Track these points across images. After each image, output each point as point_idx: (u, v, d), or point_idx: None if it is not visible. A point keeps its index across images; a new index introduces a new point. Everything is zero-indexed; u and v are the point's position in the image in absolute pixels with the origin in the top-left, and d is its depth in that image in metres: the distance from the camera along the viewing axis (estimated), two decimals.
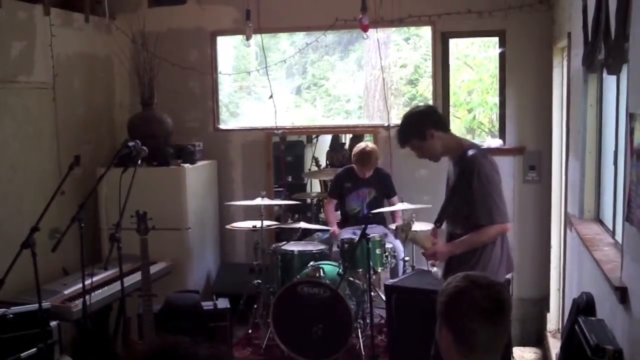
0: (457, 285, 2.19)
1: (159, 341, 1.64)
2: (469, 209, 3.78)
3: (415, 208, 5.79)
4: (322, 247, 6.01)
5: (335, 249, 6.01)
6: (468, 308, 2.13)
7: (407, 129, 3.98)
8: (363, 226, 5.05)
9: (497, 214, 3.76)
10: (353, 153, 6.27)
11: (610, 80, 3.95)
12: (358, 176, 6.28)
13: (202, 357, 1.57)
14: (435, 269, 4.13)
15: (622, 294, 2.87)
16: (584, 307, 3.63)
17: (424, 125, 3.91)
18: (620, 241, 3.34)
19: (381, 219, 6.27)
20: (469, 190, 3.76)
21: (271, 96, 6.75)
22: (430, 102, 6.65)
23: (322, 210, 8.25)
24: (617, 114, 3.67)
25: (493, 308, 2.14)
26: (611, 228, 3.85)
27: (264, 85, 7.10)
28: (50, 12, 5.71)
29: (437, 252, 3.93)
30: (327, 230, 6.53)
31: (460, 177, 3.85)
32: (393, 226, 5.54)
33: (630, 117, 2.85)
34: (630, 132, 2.85)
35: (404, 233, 4.01)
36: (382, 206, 6.23)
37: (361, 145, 6.22)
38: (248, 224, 6.15)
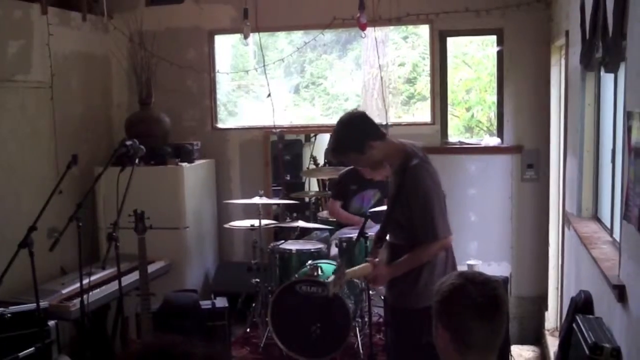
0: (452, 283, 2.19)
1: (154, 340, 1.64)
2: (408, 223, 3.60)
3: None
4: (320, 245, 6.01)
5: (334, 249, 6.00)
6: (463, 305, 2.13)
7: (345, 141, 3.68)
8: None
9: (439, 229, 3.55)
10: None
11: (608, 79, 3.95)
12: (363, 178, 6.17)
13: (197, 356, 1.57)
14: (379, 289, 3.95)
15: (620, 292, 2.87)
16: (582, 305, 3.64)
17: (362, 138, 3.63)
18: (618, 239, 3.34)
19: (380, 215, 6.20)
20: (409, 205, 3.57)
21: (269, 95, 6.74)
22: (429, 101, 6.65)
23: (320, 209, 8.25)
24: (615, 112, 3.67)
25: (488, 304, 2.13)
26: (609, 226, 3.85)
27: (262, 84, 7.10)
28: (47, 11, 5.70)
29: (378, 276, 3.69)
30: (326, 229, 6.50)
31: (400, 189, 3.62)
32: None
33: (628, 115, 2.85)
34: (627, 130, 2.85)
35: (337, 285, 3.73)
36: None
37: None
38: (246, 223, 6.14)
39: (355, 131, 3.68)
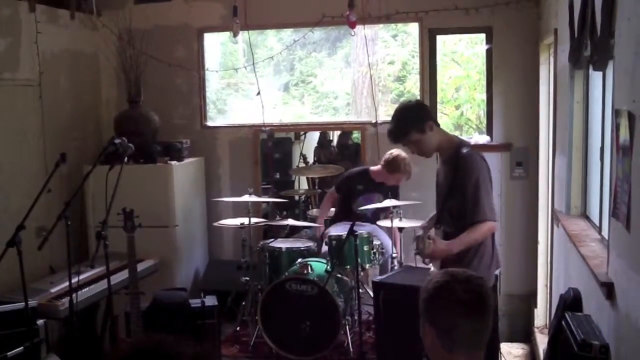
0: (437, 281, 2.21)
1: (143, 339, 1.63)
2: (462, 206, 3.77)
3: (405, 205, 5.81)
4: (310, 244, 6.01)
5: (324, 246, 6.00)
6: (449, 302, 2.15)
7: (406, 121, 3.89)
8: (351, 223, 5.05)
9: (489, 211, 3.75)
10: (387, 160, 6.04)
11: (596, 77, 3.97)
12: (373, 180, 6.14)
13: (185, 355, 1.57)
14: (432, 268, 4.09)
15: (608, 289, 2.89)
16: (570, 302, 3.65)
17: (424, 117, 3.86)
18: (606, 237, 3.35)
19: (375, 216, 6.20)
20: (463, 189, 3.74)
21: (259, 93, 6.73)
22: (418, 99, 6.65)
23: (310, 207, 8.25)
24: (603, 110, 3.68)
25: (473, 301, 2.15)
26: (597, 224, 3.87)
27: (252, 82, 7.09)
28: (35, 8, 5.67)
29: (436, 251, 3.82)
30: (315, 227, 6.50)
31: (454, 176, 3.80)
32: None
33: (616, 113, 2.86)
34: (615, 128, 2.86)
35: (421, 244, 3.91)
36: (382, 215, 6.16)
37: (395, 152, 5.97)
38: (236, 221, 6.14)
39: (416, 111, 3.93)
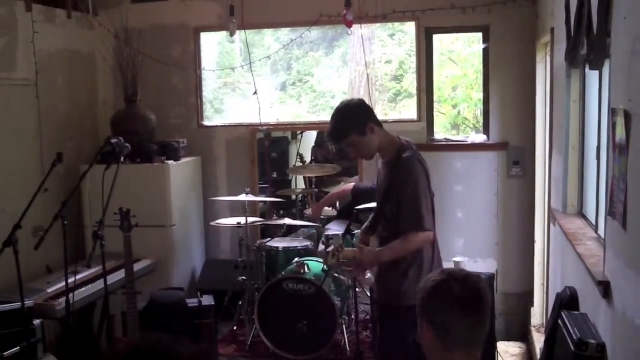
0: (435, 280, 2.22)
1: (140, 339, 1.63)
2: (397, 212, 3.65)
3: None
4: (307, 243, 6.02)
5: (321, 246, 6.00)
6: (446, 301, 2.15)
7: (346, 122, 3.71)
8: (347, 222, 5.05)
9: (424, 220, 3.59)
10: None
11: (592, 76, 3.97)
12: None
13: (182, 354, 1.57)
14: (369, 275, 4.00)
15: (604, 288, 2.89)
16: (567, 301, 3.65)
17: (364, 119, 3.70)
18: (603, 236, 3.35)
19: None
20: (399, 194, 3.62)
21: (255, 92, 6.72)
22: (415, 98, 6.65)
23: (307, 207, 8.24)
24: (600, 109, 3.68)
25: (471, 299, 2.15)
26: (594, 223, 3.87)
27: (249, 81, 7.08)
28: (32, 8, 5.67)
29: (363, 261, 3.70)
30: (312, 226, 6.51)
31: (392, 181, 3.69)
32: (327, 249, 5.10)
33: (612, 112, 2.87)
34: (612, 127, 2.86)
35: (335, 258, 3.73)
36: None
37: None
38: (233, 221, 6.14)
39: (356, 112, 3.73)
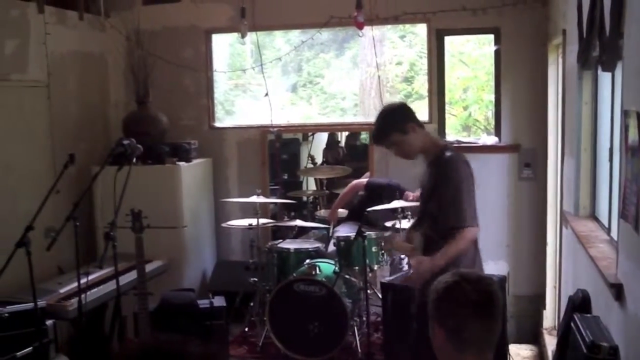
0: (447, 282, 2.21)
1: (151, 340, 1.63)
2: (442, 210, 3.70)
3: (411, 206, 5.81)
4: (318, 244, 6.02)
5: (332, 247, 6.01)
6: (458, 303, 2.15)
7: (387, 122, 3.86)
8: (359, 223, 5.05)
9: (469, 216, 3.66)
10: None
11: (605, 77, 3.96)
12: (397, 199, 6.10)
13: (193, 355, 1.57)
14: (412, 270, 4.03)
15: (617, 290, 2.88)
16: (579, 304, 3.63)
17: (405, 119, 3.83)
18: (615, 238, 3.34)
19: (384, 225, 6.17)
20: (444, 192, 3.68)
21: (267, 94, 6.73)
22: (426, 100, 6.65)
23: (318, 208, 8.25)
24: (612, 111, 3.67)
25: (483, 301, 2.14)
26: (606, 225, 3.85)
27: (259, 83, 7.09)
28: (44, 10, 5.69)
29: (419, 268, 3.73)
30: (323, 227, 6.51)
31: (436, 179, 3.75)
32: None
33: (625, 114, 2.85)
34: (624, 129, 2.85)
35: (388, 244, 3.90)
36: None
37: None
38: (244, 222, 6.14)
39: (397, 113, 3.89)
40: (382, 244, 3.91)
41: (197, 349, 1.58)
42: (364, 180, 6.56)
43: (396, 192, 6.08)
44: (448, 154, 3.76)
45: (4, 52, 5.40)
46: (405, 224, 5.75)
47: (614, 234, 3.48)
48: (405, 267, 5.76)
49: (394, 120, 3.84)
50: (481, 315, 2.14)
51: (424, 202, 3.92)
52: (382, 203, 6.03)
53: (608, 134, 3.82)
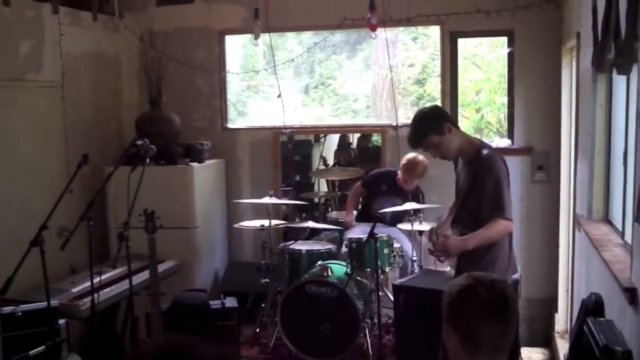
0: (461, 284, 2.19)
1: (166, 341, 1.64)
2: (481, 205, 3.77)
3: (425, 208, 5.81)
4: (329, 246, 6.01)
5: (344, 249, 6.01)
6: (472, 306, 2.13)
7: (424, 124, 3.91)
8: (372, 224, 5.04)
9: (507, 209, 3.74)
10: (403, 162, 6.14)
11: (619, 81, 3.94)
12: (397, 184, 6.19)
13: (210, 357, 1.57)
14: (448, 268, 4.10)
15: (631, 295, 2.86)
16: (592, 307, 3.62)
17: (442, 120, 3.88)
18: (629, 242, 3.33)
19: (395, 220, 6.20)
20: (483, 187, 3.75)
21: (279, 95, 6.74)
22: (439, 102, 6.64)
23: (329, 209, 8.25)
24: (627, 114, 3.65)
25: (497, 304, 2.13)
26: (620, 229, 3.84)
27: (272, 84, 7.10)
28: (58, 10, 5.71)
29: (449, 246, 3.82)
30: (335, 229, 6.52)
31: (474, 177, 3.81)
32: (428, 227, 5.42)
33: None
34: None
35: (437, 235, 3.95)
36: (404, 218, 6.17)
37: (412, 154, 6.06)
38: (256, 223, 6.15)
39: (433, 115, 3.96)
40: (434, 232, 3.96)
41: (213, 350, 1.58)
42: (358, 183, 6.61)
43: (392, 176, 6.26)
44: (485, 151, 3.82)
45: (18, 52, 5.43)
46: (418, 226, 5.77)
47: (628, 237, 3.46)
48: (417, 269, 5.77)
49: (430, 121, 3.89)
50: (495, 318, 2.13)
51: (462, 200, 3.97)
52: (384, 192, 6.22)
53: (622, 137, 3.81)
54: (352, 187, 6.93)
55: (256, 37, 6.39)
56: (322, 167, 8.91)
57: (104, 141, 6.52)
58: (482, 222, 3.75)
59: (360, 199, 6.65)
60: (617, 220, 4.00)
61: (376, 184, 6.39)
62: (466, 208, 3.91)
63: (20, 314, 4.34)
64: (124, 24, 6.74)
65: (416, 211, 5.83)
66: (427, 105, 4.32)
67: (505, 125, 6.75)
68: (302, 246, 5.94)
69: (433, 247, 3.92)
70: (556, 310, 5.95)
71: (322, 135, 9.01)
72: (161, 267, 5.28)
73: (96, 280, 4.35)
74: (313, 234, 6.59)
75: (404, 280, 5.35)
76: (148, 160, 4.50)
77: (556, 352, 5.50)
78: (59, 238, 4.63)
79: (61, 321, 4.56)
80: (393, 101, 6.88)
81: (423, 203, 6.00)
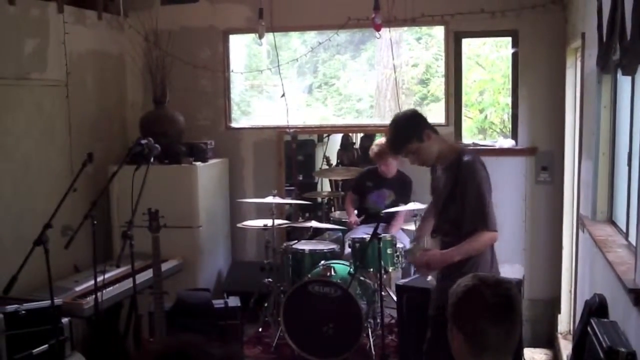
0: (466, 285, 2.20)
1: (172, 340, 1.63)
2: (461, 215, 3.69)
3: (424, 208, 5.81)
4: (333, 246, 6.02)
5: (347, 249, 6.01)
6: (477, 307, 2.14)
7: (403, 131, 3.84)
8: (375, 225, 5.05)
9: (490, 220, 3.68)
10: (371, 154, 6.29)
11: (624, 81, 3.93)
12: (380, 176, 6.29)
13: (215, 357, 1.57)
14: (430, 277, 4.06)
15: (636, 296, 2.85)
16: (596, 308, 3.61)
17: (420, 127, 3.81)
18: (634, 243, 3.32)
19: (387, 216, 6.23)
20: (465, 196, 3.67)
21: (283, 95, 6.74)
22: (442, 102, 6.63)
23: (333, 209, 8.26)
24: (632, 115, 3.65)
25: (502, 306, 2.13)
26: (624, 230, 3.83)
27: (276, 84, 7.10)
28: (63, 9, 5.73)
29: (430, 260, 3.77)
30: (338, 229, 6.53)
31: (455, 184, 3.73)
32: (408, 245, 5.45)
33: None
34: None
35: (416, 252, 3.92)
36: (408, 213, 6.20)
37: (378, 140, 6.20)
38: (259, 223, 6.15)
39: (412, 121, 3.86)
40: (412, 252, 3.93)
41: (218, 350, 1.58)
42: (349, 192, 6.75)
43: (374, 171, 6.41)
44: (466, 158, 3.74)
45: (23, 51, 5.44)
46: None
47: (632, 238, 3.46)
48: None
49: (409, 129, 3.82)
50: (500, 319, 2.13)
51: (442, 208, 3.89)
52: (371, 188, 6.35)
53: (627, 138, 3.80)
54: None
55: (260, 37, 6.40)
56: (325, 167, 8.92)
57: (108, 140, 6.52)
58: (465, 233, 3.68)
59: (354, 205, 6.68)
60: (622, 221, 3.99)
61: (363, 184, 6.49)
62: (446, 217, 3.83)
63: (24, 312, 4.34)
64: (128, 23, 6.75)
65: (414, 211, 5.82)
66: (406, 110, 4.18)
67: (509, 125, 6.74)
68: (305, 246, 5.94)
69: (415, 265, 3.88)
70: (559, 311, 5.94)
71: (325, 135, 9.02)
72: (164, 267, 5.26)
73: (100, 279, 4.36)
74: (316, 233, 6.60)
75: (407, 280, 5.35)
76: (152, 160, 4.50)
77: (559, 353, 5.50)
78: (63, 237, 4.63)
79: (64, 320, 4.56)
80: (397, 101, 6.88)
81: (411, 190, 6.14)
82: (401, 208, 5.97)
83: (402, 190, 6.22)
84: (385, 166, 6.23)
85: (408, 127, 3.83)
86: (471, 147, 3.97)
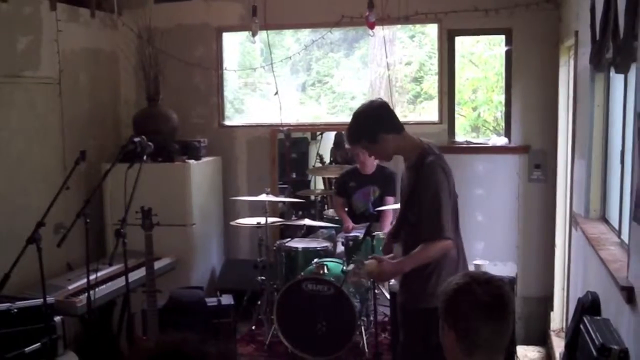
0: (457, 283, 2.20)
1: (166, 339, 1.63)
2: (421, 220, 3.59)
3: None
4: (326, 244, 6.02)
5: (340, 247, 6.01)
6: (469, 305, 2.14)
7: (358, 129, 3.72)
8: (367, 224, 5.04)
9: (445, 228, 3.53)
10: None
11: (617, 80, 3.94)
12: (361, 174, 6.28)
13: (209, 355, 1.57)
14: (393, 281, 4.00)
15: (628, 293, 2.86)
16: (589, 306, 3.62)
17: (375, 128, 3.66)
18: (626, 240, 3.33)
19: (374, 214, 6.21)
20: (421, 199, 3.57)
21: (276, 93, 6.73)
22: (435, 100, 6.64)
23: (326, 207, 8.25)
24: (625, 113, 3.66)
25: (494, 303, 2.13)
26: (617, 227, 3.84)
27: (269, 81, 7.09)
28: (56, 7, 5.71)
29: (381, 273, 3.69)
30: (332, 227, 6.52)
31: (414, 187, 3.63)
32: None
33: (638, 116, 2.84)
34: (637, 131, 2.84)
35: (357, 276, 3.85)
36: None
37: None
38: (252, 221, 6.15)
39: (370, 120, 3.70)
40: (352, 274, 3.87)
41: (212, 348, 1.58)
42: (335, 197, 6.71)
43: (354, 170, 6.43)
44: (429, 159, 3.60)
45: (16, 49, 5.42)
46: None
47: (625, 236, 3.46)
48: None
49: (364, 128, 3.69)
50: (492, 317, 2.13)
51: (403, 208, 3.81)
52: (355, 188, 6.33)
53: (620, 136, 3.81)
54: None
55: (254, 35, 6.39)
56: (318, 164, 8.90)
57: (101, 138, 6.51)
58: (423, 240, 3.57)
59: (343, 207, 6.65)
60: (614, 219, 4.00)
61: (345, 186, 6.45)
62: (407, 217, 3.72)
63: (16, 310, 4.33)
64: (121, 21, 6.73)
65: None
66: (374, 101, 3.87)
67: (502, 123, 6.76)
68: (298, 244, 5.95)
69: (360, 282, 3.77)
70: (552, 308, 5.96)
71: (318, 133, 9.01)
72: (157, 265, 5.26)
73: (92, 277, 4.35)
74: (309, 231, 6.59)
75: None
76: (145, 157, 4.49)
77: (552, 351, 5.51)
78: (56, 235, 4.63)
79: (57, 318, 4.55)
80: (390, 99, 6.86)
81: (395, 182, 6.04)
82: (386, 207, 5.97)
83: (386, 183, 6.20)
84: (362, 163, 6.24)
85: (364, 126, 3.70)
86: (437, 145, 3.77)
